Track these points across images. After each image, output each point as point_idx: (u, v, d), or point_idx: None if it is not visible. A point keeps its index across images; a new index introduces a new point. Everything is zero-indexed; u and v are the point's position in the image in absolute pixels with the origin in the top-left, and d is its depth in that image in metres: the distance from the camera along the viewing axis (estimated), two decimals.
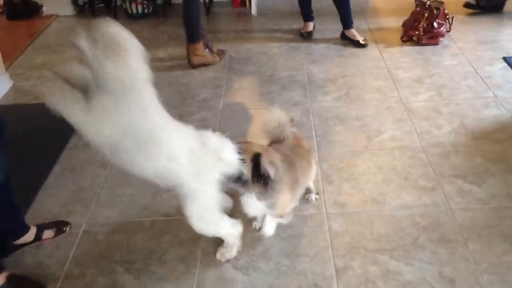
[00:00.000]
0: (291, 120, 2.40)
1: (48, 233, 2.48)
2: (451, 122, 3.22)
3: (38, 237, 2.45)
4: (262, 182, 2.03)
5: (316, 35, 4.57)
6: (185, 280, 2.25)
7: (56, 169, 3.01)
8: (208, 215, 2.12)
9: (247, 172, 2.01)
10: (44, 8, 5.54)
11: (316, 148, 3.04)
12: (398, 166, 2.86)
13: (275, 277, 2.24)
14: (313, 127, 3.26)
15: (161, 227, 2.54)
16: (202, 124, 3.34)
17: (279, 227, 2.45)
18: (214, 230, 2.20)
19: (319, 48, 4.36)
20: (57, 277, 2.30)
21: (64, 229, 2.53)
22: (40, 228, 2.47)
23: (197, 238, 2.44)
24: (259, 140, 2.31)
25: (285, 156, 2.21)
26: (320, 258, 2.31)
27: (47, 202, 2.75)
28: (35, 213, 2.67)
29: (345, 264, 2.27)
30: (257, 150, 2.05)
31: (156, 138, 1.88)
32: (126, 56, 1.78)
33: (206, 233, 2.21)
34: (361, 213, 2.56)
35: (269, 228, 2.39)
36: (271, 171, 2.03)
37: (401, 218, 2.50)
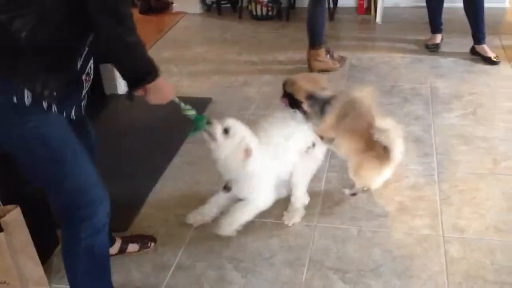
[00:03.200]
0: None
1: (132, 247, 2.45)
2: None
3: (122, 250, 2.42)
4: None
5: (443, 48, 4.38)
6: (292, 286, 2.24)
7: (176, 160, 3.14)
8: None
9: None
10: (174, 5, 5.80)
11: (435, 167, 2.91)
12: None
13: None
14: (433, 144, 3.12)
15: (271, 230, 2.55)
16: None
17: (392, 244, 2.38)
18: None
19: (446, 62, 4.17)
20: (170, 264, 2.39)
21: (149, 244, 2.47)
22: (125, 241, 2.44)
23: (305, 245, 2.43)
24: None
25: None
26: (433, 283, 2.20)
27: (165, 193, 2.87)
28: (153, 203, 2.80)
29: None
30: (307, 87, 2.43)
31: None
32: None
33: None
34: (482, 240, 2.40)
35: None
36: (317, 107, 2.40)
37: None
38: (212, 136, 2.26)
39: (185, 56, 4.58)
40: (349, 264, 2.32)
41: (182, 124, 2.23)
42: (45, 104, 1.62)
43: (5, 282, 2.01)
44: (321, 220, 2.59)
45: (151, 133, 3.40)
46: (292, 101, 2.47)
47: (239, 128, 2.30)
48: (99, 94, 3.84)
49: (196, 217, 2.58)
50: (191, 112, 2.13)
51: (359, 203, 2.70)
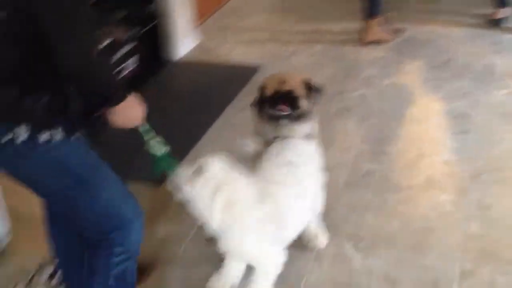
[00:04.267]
0: None
1: None
2: None
3: None
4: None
5: (508, 24, 4.18)
6: (304, 250, 2.31)
7: (217, 124, 3.26)
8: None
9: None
10: None
11: (472, 144, 2.86)
12: None
13: (394, 266, 2.20)
14: (475, 121, 3.05)
15: None
16: (359, 103, 3.34)
17: (412, 217, 2.40)
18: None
19: (508, 39, 3.99)
20: None
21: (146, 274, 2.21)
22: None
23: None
24: None
25: None
26: (446, 257, 2.21)
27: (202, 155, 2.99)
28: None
29: (473, 269, 2.14)
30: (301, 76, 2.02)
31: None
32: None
33: None
34: (504, 220, 2.36)
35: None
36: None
37: None
38: (178, 187, 1.73)
39: (242, 25, 4.66)
40: (365, 233, 2.36)
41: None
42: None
43: None
44: (345, 190, 2.63)
45: (198, 97, 3.54)
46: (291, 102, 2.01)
47: (216, 170, 1.72)
48: (156, 59, 4.03)
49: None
50: (158, 148, 1.75)
51: (389, 174, 2.71)
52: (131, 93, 1.56)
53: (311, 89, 2.05)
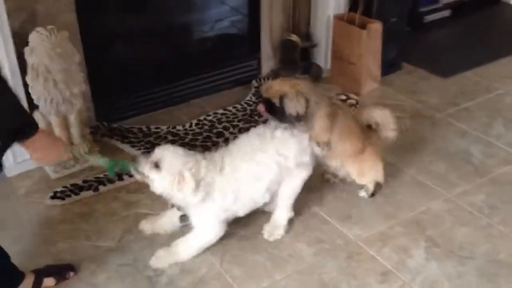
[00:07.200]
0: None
1: (48, 281, 2.10)
2: None
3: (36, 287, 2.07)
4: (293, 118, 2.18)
5: None
6: None
7: None
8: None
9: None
10: None
11: None
12: None
13: None
14: None
15: None
16: None
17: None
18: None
19: None
20: None
21: (67, 276, 2.15)
22: (38, 276, 2.08)
23: None
24: None
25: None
26: None
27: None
28: None
29: None
30: (284, 89, 2.19)
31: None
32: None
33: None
34: None
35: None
36: (298, 108, 2.17)
37: None
38: (142, 175, 2.07)
39: None
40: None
41: None
42: None
43: None
44: None
45: None
46: (270, 107, 2.23)
47: (171, 158, 2.04)
48: None
49: (146, 226, 2.37)
50: (101, 160, 2.05)
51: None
52: (38, 128, 1.50)
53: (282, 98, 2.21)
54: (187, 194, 2.03)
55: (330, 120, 2.28)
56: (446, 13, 4.49)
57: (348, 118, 2.39)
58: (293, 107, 2.17)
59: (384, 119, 2.43)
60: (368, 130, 2.45)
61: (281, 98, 2.17)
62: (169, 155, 2.04)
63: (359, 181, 2.52)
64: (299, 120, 2.21)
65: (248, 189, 2.17)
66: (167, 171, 2.01)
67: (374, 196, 2.56)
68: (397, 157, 2.82)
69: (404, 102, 3.37)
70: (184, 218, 2.28)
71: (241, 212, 2.24)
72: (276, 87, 2.22)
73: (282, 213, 2.35)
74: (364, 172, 2.48)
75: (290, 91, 2.18)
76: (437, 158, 2.85)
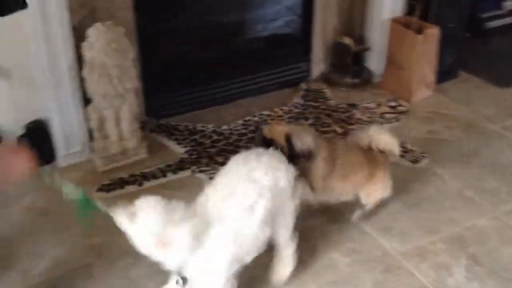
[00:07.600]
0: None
1: None
2: None
3: None
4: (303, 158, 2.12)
5: None
6: None
7: None
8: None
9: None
10: None
11: None
12: None
13: None
14: None
15: None
16: None
17: None
18: None
19: None
20: None
21: None
22: None
23: None
24: None
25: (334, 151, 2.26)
26: None
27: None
28: None
29: None
30: (287, 128, 2.16)
31: None
32: None
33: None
34: None
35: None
36: (308, 142, 2.13)
37: None
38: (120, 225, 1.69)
39: None
40: None
41: None
42: None
43: None
44: None
45: None
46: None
47: (148, 211, 1.66)
48: None
49: None
50: (74, 191, 1.65)
51: None
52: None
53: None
54: (173, 255, 1.71)
55: (328, 165, 2.21)
56: (509, 20, 4.32)
57: (349, 152, 2.32)
58: (303, 143, 2.12)
59: (387, 147, 2.37)
60: (373, 152, 2.36)
61: (288, 136, 2.11)
62: (146, 211, 1.66)
63: (366, 201, 2.38)
64: (309, 157, 2.14)
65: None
66: (145, 226, 1.65)
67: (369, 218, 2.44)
68: (444, 169, 2.75)
69: (457, 112, 3.27)
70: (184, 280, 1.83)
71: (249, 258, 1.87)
72: (279, 128, 2.18)
73: (286, 250, 2.07)
74: (372, 194, 2.37)
75: (295, 128, 2.18)
76: (487, 172, 2.76)
